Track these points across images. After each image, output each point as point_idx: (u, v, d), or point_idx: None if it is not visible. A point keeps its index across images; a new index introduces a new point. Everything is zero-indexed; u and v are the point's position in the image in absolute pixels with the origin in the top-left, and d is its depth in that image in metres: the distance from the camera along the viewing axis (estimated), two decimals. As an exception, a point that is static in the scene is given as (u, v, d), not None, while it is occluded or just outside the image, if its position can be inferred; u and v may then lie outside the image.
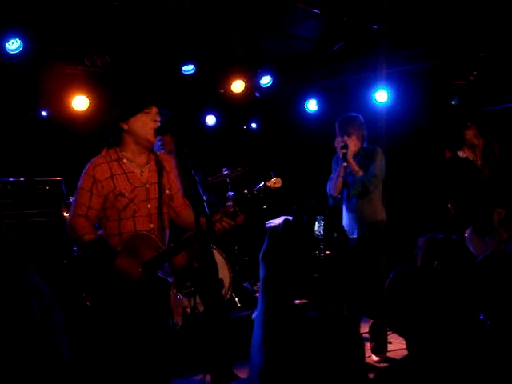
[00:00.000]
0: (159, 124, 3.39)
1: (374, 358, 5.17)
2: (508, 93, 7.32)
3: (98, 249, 3.21)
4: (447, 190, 5.52)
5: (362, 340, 1.84)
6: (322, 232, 4.90)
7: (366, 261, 5.12)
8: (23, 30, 5.52)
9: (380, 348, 5.20)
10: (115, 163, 3.35)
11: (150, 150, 3.50)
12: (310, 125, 7.89)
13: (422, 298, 2.12)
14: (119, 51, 6.34)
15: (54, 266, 5.40)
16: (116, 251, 3.19)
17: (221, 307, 4.72)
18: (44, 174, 5.95)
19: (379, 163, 5.17)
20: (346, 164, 5.09)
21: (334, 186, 5.20)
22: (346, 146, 5.10)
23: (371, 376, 1.98)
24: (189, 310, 5.22)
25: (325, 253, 4.88)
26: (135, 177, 3.36)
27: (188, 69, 6.64)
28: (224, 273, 5.68)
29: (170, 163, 3.57)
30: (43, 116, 6.75)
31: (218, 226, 3.28)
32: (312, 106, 7.69)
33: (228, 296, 5.79)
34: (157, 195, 3.40)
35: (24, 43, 5.54)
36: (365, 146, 5.28)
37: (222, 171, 6.35)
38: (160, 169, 3.46)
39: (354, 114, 5.33)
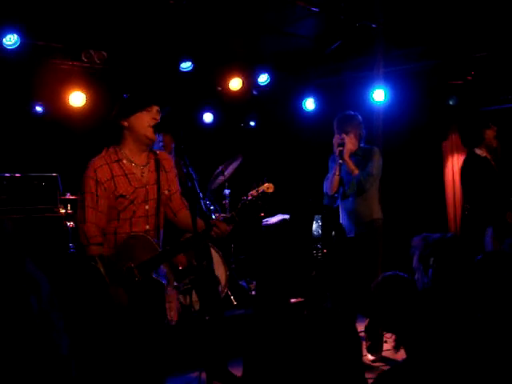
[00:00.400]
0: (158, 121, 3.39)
1: (370, 357, 5.17)
2: (506, 93, 7.33)
3: (94, 272, 3.19)
4: (465, 188, 5.53)
5: (359, 339, 1.83)
6: (319, 231, 4.91)
7: (362, 259, 5.12)
8: (20, 26, 5.50)
9: (376, 347, 5.19)
10: (115, 164, 3.33)
11: (150, 149, 3.49)
12: (308, 123, 7.89)
13: (406, 302, 2.15)
14: (117, 47, 6.33)
15: (50, 261, 5.38)
16: (106, 283, 3.18)
17: (217, 305, 4.72)
18: (40, 170, 5.94)
19: (376, 162, 5.17)
20: (341, 161, 5.10)
21: (330, 184, 5.21)
22: (342, 144, 5.11)
23: (370, 376, 1.98)
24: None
25: (322, 252, 4.89)
26: (136, 178, 3.34)
27: (186, 66, 6.62)
28: (220, 271, 5.67)
29: (169, 162, 3.55)
30: (40, 112, 6.73)
31: (216, 230, 3.28)
32: (309, 104, 7.68)
33: (224, 294, 5.78)
34: (155, 196, 3.39)
35: (21, 39, 5.52)
36: (362, 145, 5.28)
37: (217, 168, 6.35)
38: (158, 168, 3.44)
39: (352, 112, 5.33)
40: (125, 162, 3.35)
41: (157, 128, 3.37)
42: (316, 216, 4.96)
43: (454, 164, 8.25)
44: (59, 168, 6.12)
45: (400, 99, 7.03)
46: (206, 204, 6.01)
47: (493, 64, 6.68)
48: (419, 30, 6.40)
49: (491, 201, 5.40)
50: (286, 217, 7.23)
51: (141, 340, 3.25)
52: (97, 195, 3.25)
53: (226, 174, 6.35)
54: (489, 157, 5.66)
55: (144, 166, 3.41)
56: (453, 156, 8.26)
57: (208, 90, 7.52)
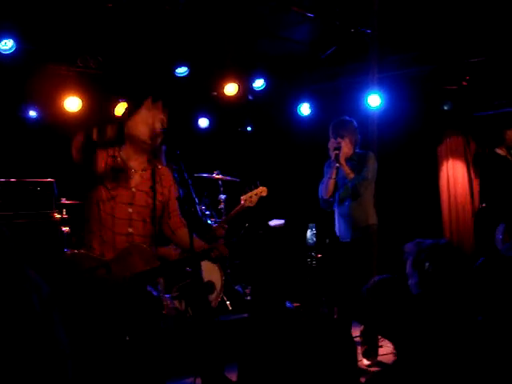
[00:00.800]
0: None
1: (366, 361, 5.17)
2: (500, 98, 7.35)
3: None
4: (483, 186, 5.57)
5: (354, 344, 1.84)
6: (314, 239, 4.92)
7: (357, 265, 5.12)
8: (16, 31, 5.50)
9: (371, 352, 5.20)
10: (110, 159, 3.40)
11: (151, 161, 3.50)
12: (303, 128, 7.90)
13: (399, 305, 2.16)
14: (112, 52, 6.33)
15: (45, 266, 5.36)
16: None
17: (206, 311, 4.72)
18: (35, 175, 5.93)
19: (371, 166, 5.18)
20: (337, 165, 5.11)
21: (325, 188, 5.22)
22: (339, 148, 5.13)
23: (363, 380, 1.99)
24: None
25: (317, 259, 4.90)
26: (123, 177, 3.37)
27: (181, 71, 6.63)
28: (215, 276, 5.67)
29: (168, 178, 3.56)
30: (35, 117, 6.72)
31: (216, 252, 3.33)
32: (305, 109, 7.70)
33: (219, 299, 5.78)
34: (143, 203, 3.39)
35: (17, 44, 5.51)
36: (357, 150, 5.29)
37: (213, 174, 6.36)
38: (155, 179, 3.45)
39: (348, 118, 5.35)
40: (119, 160, 3.40)
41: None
42: (310, 224, 4.98)
43: (449, 169, 8.28)
44: (54, 173, 6.11)
45: (395, 104, 7.05)
46: (201, 209, 6.03)
47: (487, 69, 6.71)
48: (414, 36, 6.41)
49: (507, 198, 5.44)
50: (282, 222, 7.24)
51: (136, 347, 3.24)
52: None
53: None
54: (509, 157, 5.69)
55: (137, 170, 3.42)
56: (448, 161, 8.29)
57: (203, 94, 7.52)
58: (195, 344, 4.56)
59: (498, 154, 5.62)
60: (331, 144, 5.22)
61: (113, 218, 3.31)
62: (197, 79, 6.95)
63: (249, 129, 8.43)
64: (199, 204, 5.73)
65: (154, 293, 3.35)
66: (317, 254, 4.96)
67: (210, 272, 5.58)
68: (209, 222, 6.05)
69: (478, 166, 5.82)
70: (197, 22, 5.90)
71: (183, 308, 5.16)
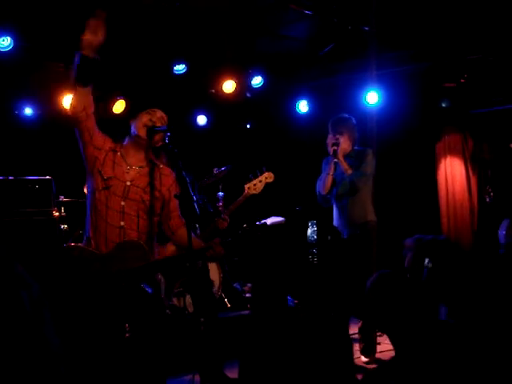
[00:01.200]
0: (157, 123, 3.44)
1: (364, 358, 5.18)
2: (498, 95, 7.37)
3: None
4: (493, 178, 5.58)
5: (350, 341, 1.85)
6: (315, 237, 4.93)
7: (355, 261, 5.13)
8: (14, 28, 5.49)
9: (369, 349, 5.20)
10: (111, 152, 3.46)
11: (152, 160, 3.52)
12: (301, 125, 7.90)
13: (401, 300, 2.16)
14: (110, 49, 6.31)
15: (44, 265, 5.37)
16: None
17: (211, 307, 4.73)
18: (34, 173, 5.93)
19: (369, 162, 5.19)
20: (336, 160, 5.12)
21: (323, 183, 5.22)
22: (337, 144, 5.13)
23: (360, 377, 1.99)
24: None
25: (318, 256, 4.90)
26: (119, 170, 3.43)
27: (179, 68, 6.62)
28: (214, 273, 5.68)
29: (168, 178, 3.57)
30: (33, 114, 6.71)
31: (212, 252, 3.33)
32: (303, 106, 7.70)
33: (218, 296, 5.79)
34: (138, 199, 3.41)
35: (15, 41, 5.51)
36: (355, 147, 5.30)
37: (212, 171, 6.35)
38: (153, 176, 3.47)
39: (347, 115, 5.35)
40: (119, 154, 3.46)
41: (151, 131, 3.40)
42: (310, 221, 4.98)
43: (447, 166, 8.29)
44: (53, 171, 6.11)
45: (393, 101, 7.05)
46: (200, 206, 6.02)
47: (485, 66, 6.72)
48: (412, 33, 6.42)
49: None
50: (280, 219, 7.24)
51: (135, 344, 3.25)
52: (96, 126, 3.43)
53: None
54: None
55: (133, 166, 3.45)
56: (446, 158, 8.30)
57: (201, 92, 7.52)
58: (194, 341, 4.57)
59: None
60: (329, 140, 5.22)
61: (106, 208, 3.35)
62: (195, 77, 6.94)
63: (247, 126, 8.44)
64: (200, 199, 5.72)
65: (149, 290, 3.35)
66: (318, 250, 4.97)
67: (209, 269, 5.59)
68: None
69: (476, 162, 5.80)
70: (194, 20, 5.90)
71: (182, 305, 5.17)
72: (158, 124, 3.44)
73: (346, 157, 5.20)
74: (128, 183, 3.41)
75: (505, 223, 5.56)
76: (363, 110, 6.69)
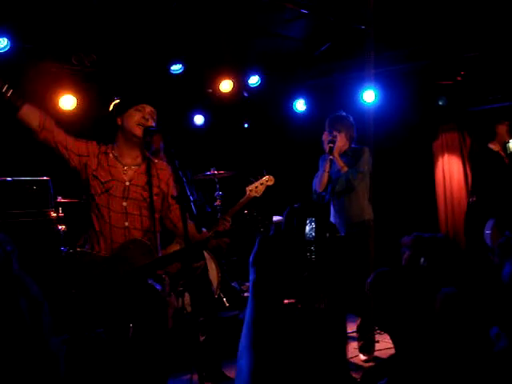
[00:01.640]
0: (151, 122, 3.42)
1: (362, 357, 5.18)
2: (495, 93, 7.37)
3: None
4: (475, 180, 5.60)
5: (345, 339, 1.85)
6: (313, 234, 4.92)
7: (353, 259, 5.14)
8: (10, 29, 5.49)
9: (368, 347, 5.21)
10: (102, 155, 3.46)
11: (145, 156, 3.52)
12: (298, 124, 7.91)
13: (402, 298, 2.16)
14: (107, 50, 6.32)
15: (41, 266, 5.37)
16: None
17: (211, 307, 4.74)
18: (31, 174, 5.92)
19: (366, 160, 5.20)
20: (331, 157, 5.12)
21: (319, 181, 5.23)
22: (333, 141, 5.14)
23: (358, 375, 1.99)
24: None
25: (316, 254, 4.90)
26: (116, 171, 3.42)
27: (176, 68, 6.62)
28: (212, 273, 5.68)
29: (165, 172, 3.59)
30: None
31: (213, 243, 3.34)
32: (300, 105, 7.70)
33: (216, 296, 5.79)
34: (139, 197, 3.42)
35: (11, 42, 5.51)
36: (352, 146, 5.31)
37: (210, 171, 6.36)
38: (150, 173, 3.47)
39: (344, 113, 5.36)
40: (111, 156, 3.46)
41: (146, 132, 3.40)
42: (309, 218, 4.96)
43: (445, 164, 8.30)
44: (50, 172, 6.10)
45: (390, 100, 7.07)
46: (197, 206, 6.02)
47: (482, 64, 6.72)
48: (409, 31, 6.42)
49: (498, 193, 5.47)
50: (278, 218, 7.24)
51: (140, 343, 3.26)
52: (76, 139, 3.48)
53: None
54: (501, 152, 5.72)
55: (130, 165, 3.45)
56: (443, 156, 8.31)
57: (198, 92, 7.52)
58: (192, 340, 4.57)
59: (491, 149, 5.64)
60: (325, 137, 5.22)
61: (109, 210, 3.34)
62: (192, 76, 6.94)
63: (245, 125, 8.44)
64: (198, 200, 5.73)
65: (157, 286, 3.36)
66: (316, 248, 4.96)
67: (207, 268, 5.59)
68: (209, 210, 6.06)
69: (471, 161, 5.83)
70: (191, 19, 5.89)
71: (180, 305, 5.17)
72: (150, 120, 3.43)
73: (343, 155, 5.21)
74: (127, 183, 3.41)
75: (490, 223, 5.57)
76: (360, 109, 6.69)
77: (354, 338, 5.39)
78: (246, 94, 7.50)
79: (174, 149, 3.29)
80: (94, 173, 3.38)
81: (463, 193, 8.22)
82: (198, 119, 7.94)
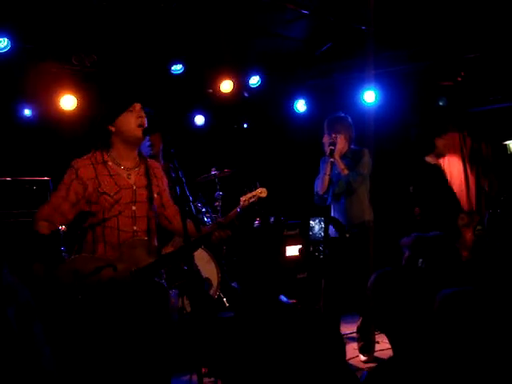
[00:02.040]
0: (145, 120, 3.40)
1: (362, 357, 5.18)
2: (495, 94, 7.37)
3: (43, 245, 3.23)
4: (416, 194, 5.66)
5: (342, 339, 1.84)
6: (322, 234, 4.94)
7: (353, 260, 5.14)
8: (11, 29, 5.49)
9: (368, 348, 5.21)
10: (100, 165, 3.35)
11: (141, 156, 3.51)
12: (299, 125, 7.90)
13: (401, 298, 2.16)
14: (107, 50, 6.32)
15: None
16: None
17: (209, 307, 4.74)
18: (31, 174, 5.92)
19: (366, 162, 5.21)
20: (332, 160, 5.14)
21: (320, 183, 5.26)
22: (333, 143, 5.16)
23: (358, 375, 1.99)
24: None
25: (324, 253, 4.91)
26: (121, 178, 3.36)
27: (176, 68, 6.62)
28: (212, 273, 5.67)
29: (159, 170, 3.60)
30: (30, 115, 6.71)
31: (216, 235, 3.34)
32: (301, 106, 7.70)
33: (216, 296, 5.78)
34: (145, 199, 3.41)
35: (12, 42, 5.51)
36: (352, 147, 5.31)
37: (210, 171, 6.36)
38: (149, 174, 3.47)
39: (342, 114, 5.37)
40: (110, 163, 3.37)
41: (147, 131, 3.39)
42: (318, 218, 4.98)
43: (445, 164, 8.29)
44: (50, 171, 6.10)
45: (391, 100, 7.06)
46: (196, 207, 6.02)
47: (483, 65, 6.72)
48: (409, 32, 6.42)
49: (441, 206, 5.54)
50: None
51: (144, 342, 3.26)
52: (70, 187, 3.29)
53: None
54: (438, 164, 5.76)
55: (131, 168, 3.43)
56: (444, 156, 8.30)
57: (199, 92, 7.52)
58: (192, 341, 4.57)
59: (428, 163, 5.67)
60: (326, 139, 5.25)
61: (118, 218, 3.31)
62: (192, 76, 6.94)
63: (245, 126, 8.44)
64: (194, 202, 5.73)
65: (164, 283, 3.37)
66: (324, 248, 4.97)
67: (207, 269, 5.59)
68: (205, 219, 6.05)
69: (410, 173, 5.86)
70: (191, 19, 5.89)
71: (180, 305, 5.17)
72: (144, 118, 3.39)
73: (343, 157, 5.22)
74: (134, 187, 3.40)
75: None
76: (361, 109, 6.69)
77: (354, 339, 5.39)
78: (246, 95, 7.50)
79: (173, 149, 3.28)
80: (100, 189, 3.29)
81: (463, 193, 8.22)
82: (199, 119, 7.93)
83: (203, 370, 4.54)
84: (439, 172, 5.69)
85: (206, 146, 7.81)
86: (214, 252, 5.79)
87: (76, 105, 6.38)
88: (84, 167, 3.32)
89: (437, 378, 1.99)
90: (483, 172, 8.43)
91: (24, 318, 1.87)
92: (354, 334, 5.36)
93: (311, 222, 5.10)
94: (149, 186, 3.44)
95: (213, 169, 6.42)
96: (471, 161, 8.32)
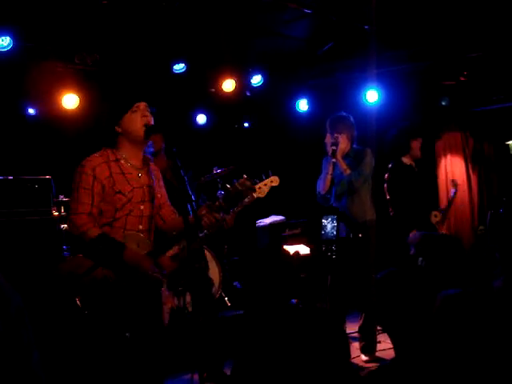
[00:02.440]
0: (151, 119, 3.39)
1: (364, 357, 5.18)
2: (498, 93, 7.36)
3: (105, 243, 3.17)
4: (390, 194, 5.71)
5: (346, 338, 1.84)
6: (334, 233, 4.95)
7: (355, 259, 5.14)
8: (13, 28, 5.49)
9: (370, 348, 5.20)
10: (113, 163, 3.34)
11: (145, 155, 3.51)
12: (301, 124, 7.90)
13: (405, 298, 2.16)
14: (109, 49, 6.32)
15: (43, 265, 5.37)
16: (123, 244, 3.18)
17: (211, 307, 4.74)
18: (33, 173, 5.92)
19: (368, 162, 5.21)
20: (334, 160, 5.14)
21: (322, 183, 5.26)
22: (336, 143, 5.16)
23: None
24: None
25: (337, 253, 4.92)
26: (133, 178, 3.36)
27: (179, 67, 6.62)
28: (214, 272, 5.67)
29: (158, 171, 3.62)
30: (33, 114, 6.71)
31: (205, 219, 3.32)
32: (303, 105, 7.70)
33: (218, 295, 5.78)
34: (149, 198, 3.42)
35: (14, 41, 5.51)
36: (354, 146, 5.31)
37: (212, 170, 6.35)
38: (151, 174, 3.48)
39: (344, 113, 5.36)
40: (123, 162, 3.37)
41: (149, 130, 3.38)
42: (331, 216, 4.98)
43: (447, 164, 8.30)
44: (52, 170, 6.10)
45: (393, 100, 7.06)
46: (198, 205, 6.01)
47: (485, 64, 6.71)
48: (412, 31, 6.41)
49: (415, 205, 5.60)
50: (281, 218, 7.24)
51: (141, 341, 3.25)
52: (92, 191, 3.23)
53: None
54: (413, 165, 5.81)
55: (141, 168, 3.43)
56: (446, 156, 8.31)
57: (201, 91, 7.51)
58: (193, 340, 4.57)
59: (404, 164, 5.71)
60: (328, 139, 5.25)
61: (126, 217, 3.30)
62: (194, 76, 6.94)
63: (246, 125, 8.44)
64: (196, 201, 5.72)
65: (164, 272, 3.38)
66: (337, 247, 4.97)
67: (209, 268, 5.59)
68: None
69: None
70: (194, 19, 5.89)
71: (181, 304, 5.17)
72: (150, 116, 3.39)
73: (345, 156, 5.22)
74: (144, 187, 3.41)
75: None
76: (363, 109, 6.69)
77: (355, 339, 5.39)
78: (248, 94, 7.50)
79: (175, 148, 3.28)
80: (115, 188, 3.27)
81: (466, 193, 8.21)
82: (201, 118, 7.94)
83: (204, 375, 4.54)
84: (413, 172, 5.75)
85: (207, 145, 7.81)
86: (215, 251, 5.79)
87: (78, 104, 6.38)
88: (99, 166, 3.29)
89: (438, 379, 1.98)
90: (485, 172, 8.43)
91: (13, 323, 1.84)
92: (356, 334, 5.36)
93: (323, 220, 5.09)
94: (153, 186, 3.46)
95: (214, 168, 6.42)
96: (473, 161, 8.31)
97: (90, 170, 3.26)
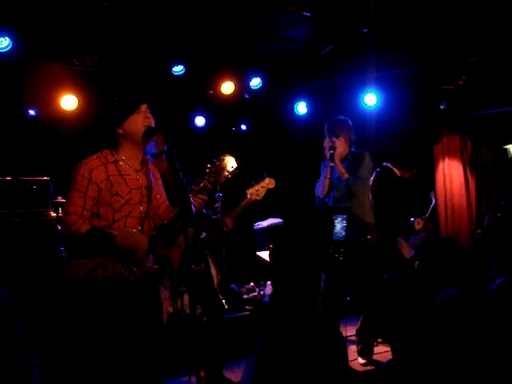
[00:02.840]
0: (152, 120, 3.40)
1: (361, 360, 5.18)
2: (496, 98, 7.37)
3: (95, 234, 3.18)
4: (376, 198, 5.75)
5: (343, 341, 1.84)
6: (343, 233, 4.94)
7: (354, 263, 5.14)
8: (12, 29, 5.49)
9: (367, 351, 5.21)
10: (111, 165, 3.32)
11: (144, 156, 3.50)
12: (300, 127, 7.91)
13: (404, 301, 2.16)
14: (109, 51, 6.32)
15: (41, 265, 5.37)
16: (112, 234, 3.18)
17: (216, 309, 4.74)
18: (31, 174, 5.92)
19: (366, 166, 5.21)
20: (332, 164, 5.15)
21: (321, 187, 5.27)
22: (333, 147, 5.16)
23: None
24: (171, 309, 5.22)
25: (345, 254, 4.92)
26: (131, 179, 3.35)
27: (178, 69, 6.62)
28: (211, 274, 5.66)
29: (157, 172, 3.62)
30: (31, 115, 6.71)
31: (194, 203, 3.33)
32: (301, 108, 7.71)
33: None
34: (147, 199, 3.42)
35: (13, 42, 5.51)
36: (353, 149, 5.32)
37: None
38: (150, 174, 3.48)
39: (343, 117, 5.37)
40: (121, 163, 3.36)
41: (149, 132, 3.38)
42: (341, 216, 4.96)
43: (446, 168, 8.30)
44: (50, 171, 6.10)
45: (392, 103, 7.06)
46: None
47: (484, 69, 6.72)
48: (411, 35, 6.42)
49: (399, 211, 5.65)
50: (278, 221, 7.24)
51: (141, 341, 3.25)
52: (86, 194, 3.22)
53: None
54: (399, 172, 5.86)
55: (139, 169, 3.43)
56: (444, 160, 8.31)
57: (200, 93, 7.51)
58: (192, 342, 4.57)
59: (391, 169, 5.76)
60: (326, 143, 5.25)
61: (126, 219, 3.30)
62: (193, 78, 6.94)
63: (244, 127, 8.43)
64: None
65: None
66: (346, 248, 4.97)
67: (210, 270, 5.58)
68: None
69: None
70: (193, 21, 5.89)
71: (179, 306, 5.16)
72: (151, 118, 3.39)
73: (343, 160, 5.23)
74: (142, 188, 3.41)
75: (400, 240, 5.72)
76: (362, 112, 6.69)
77: (353, 342, 5.39)
78: (247, 96, 7.50)
79: (174, 150, 3.27)
80: (112, 190, 3.26)
81: (464, 197, 8.21)
82: (199, 121, 7.94)
83: (202, 375, 4.54)
84: (397, 179, 5.79)
85: (206, 148, 7.80)
86: (213, 253, 5.78)
87: (77, 105, 6.37)
88: (96, 169, 3.27)
89: (438, 379, 1.98)
90: (483, 176, 8.43)
91: (3, 322, 1.84)
92: (353, 337, 5.35)
93: (333, 220, 5.08)
94: (151, 187, 3.45)
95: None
96: (471, 164, 8.31)
97: (86, 172, 3.24)
